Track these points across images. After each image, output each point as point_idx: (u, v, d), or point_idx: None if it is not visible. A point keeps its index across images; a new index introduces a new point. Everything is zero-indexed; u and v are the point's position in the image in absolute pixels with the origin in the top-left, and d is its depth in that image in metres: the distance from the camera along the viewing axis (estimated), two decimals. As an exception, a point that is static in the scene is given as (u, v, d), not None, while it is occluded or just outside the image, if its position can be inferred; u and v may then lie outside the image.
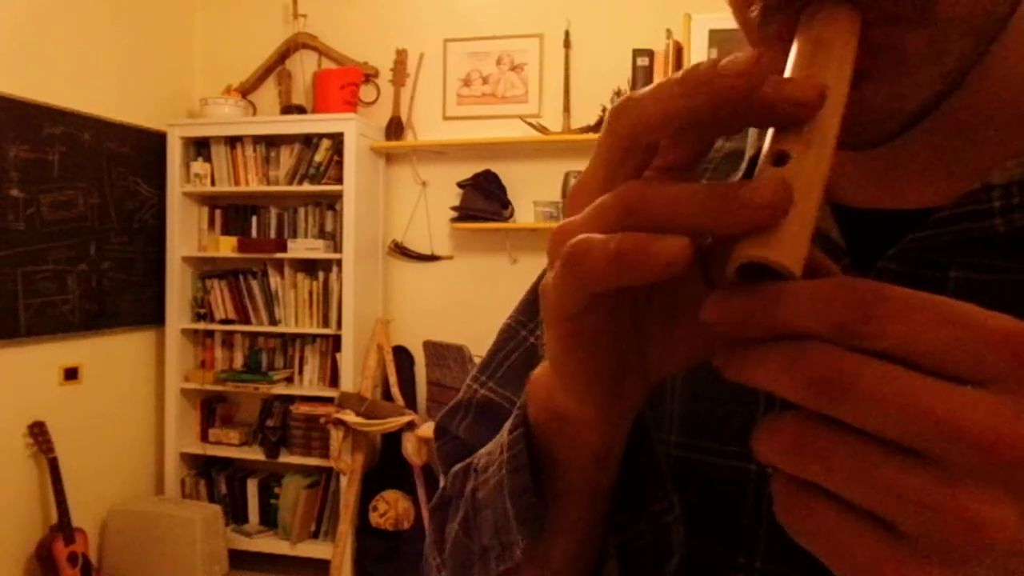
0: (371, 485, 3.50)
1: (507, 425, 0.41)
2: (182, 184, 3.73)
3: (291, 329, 3.69)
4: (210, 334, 3.87)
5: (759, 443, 0.26)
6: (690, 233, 0.26)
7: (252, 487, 3.77)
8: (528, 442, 0.39)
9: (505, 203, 3.58)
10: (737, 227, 0.25)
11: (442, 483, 0.54)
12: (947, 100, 0.38)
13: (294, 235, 3.73)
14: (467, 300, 3.71)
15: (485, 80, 3.69)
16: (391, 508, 3.43)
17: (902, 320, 0.23)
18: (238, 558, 3.63)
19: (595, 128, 3.41)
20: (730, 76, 0.25)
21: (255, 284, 3.75)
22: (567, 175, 3.45)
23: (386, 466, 3.54)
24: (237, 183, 3.73)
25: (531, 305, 0.60)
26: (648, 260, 0.25)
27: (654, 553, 0.41)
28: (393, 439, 3.45)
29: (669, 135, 0.28)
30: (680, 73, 0.27)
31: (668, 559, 0.41)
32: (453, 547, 0.47)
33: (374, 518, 3.43)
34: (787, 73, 0.31)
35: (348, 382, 3.53)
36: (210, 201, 3.88)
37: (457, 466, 0.50)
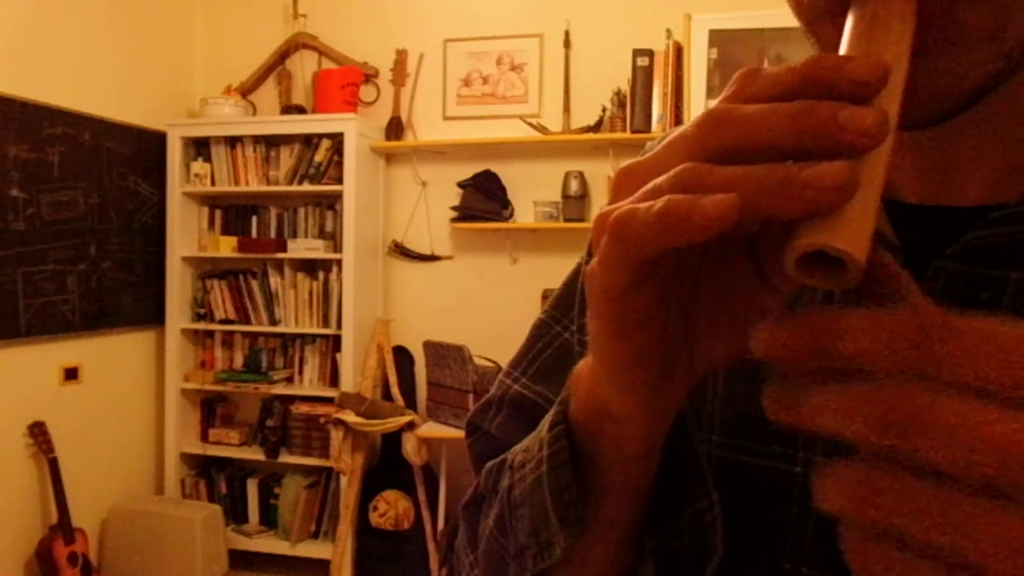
0: (371, 485, 3.50)
1: (546, 420, 0.41)
2: (182, 184, 3.73)
3: (291, 329, 3.69)
4: (210, 334, 3.87)
5: (823, 491, 0.24)
6: (746, 216, 0.25)
7: (252, 487, 3.77)
8: (569, 439, 0.38)
9: (505, 203, 3.58)
10: (799, 210, 0.25)
11: (474, 481, 0.53)
12: (1007, 82, 0.36)
13: (294, 235, 3.73)
14: (467, 300, 3.71)
15: (485, 80, 3.69)
16: (391, 508, 3.43)
17: (973, 358, 0.22)
18: (238, 558, 3.63)
19: (595, 128, 3.41)
20: (854, 132, 0.25)
21: (255, 284, 3.75)
22: (567, 175, 3.45)
23: (386, 466, 3.54)
24: (237, 183, 3.73)
25: (565, 300, 0.59)
26: (695, 215, 0.25)
27: (693, 554, 0.40)
28: (393, 439, 3.45)
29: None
30: (795, 108, 0.26)
31: (708, 560, 0.40)
32: (487, 545, 0.46)
33: (374, 518, 3.43)
34: (842, 52, 0.30)
35: (348, 382, 3.53)
36: (210, 201, 3.88)
37: (490, 463, 0.49)
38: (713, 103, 0.58)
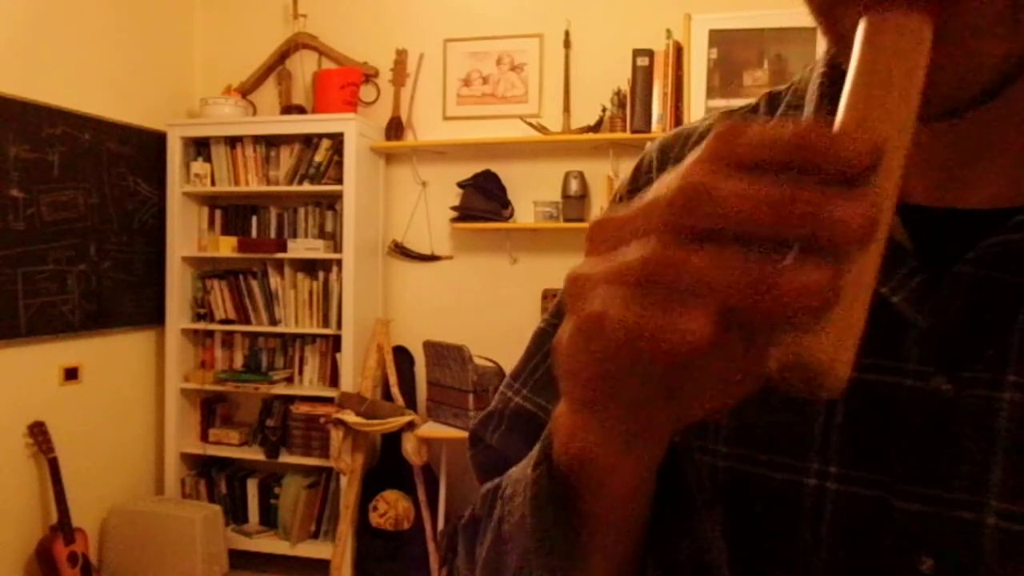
0: (371, 485, 3.50)
1: (533, 455, 0.39)
2: (182, 184, 3.73)
3: (291, 329, 3.69)
4: (210, 334, 3.86)
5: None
6: (722, 327, 0.24)
7: (252, 487, 3.77)
8: (552, 478, 0.37)
9: (505, 203, 3.58)
10: (776, 317, 0.23)
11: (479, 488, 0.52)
12: None
13: (294, 235, 3.73)
14: (467, 300, 3.71)
15: (485, 80, 3.69)
16: (391, 508, 3.43)
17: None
18: (238, 558, 3.63)
19: (595, 128, 3.41)
20: (838, 234, 0.23)
21: (255, 284, 3.75)
22: (567, 175, 3.45)
23: (386, 466, 3.54)
24: (237, 183, 3.73)
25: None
26: (667, 340, 0.24)
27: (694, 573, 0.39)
28: (393, 439, 3.45)
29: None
30: (776, 196, 0.24)
31: None
32: (483, 570, 0.46)
33: (374, 518, 3.43)
34: (839, 113, 0.27)
35: (348, 382, 3.53)
36: (210, 201, 3.88)
37: (487, 486, 0.48)
38: (713, 104, 0.57)
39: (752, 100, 0.55)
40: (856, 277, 0.24)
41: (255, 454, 3.73)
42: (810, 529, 0.42)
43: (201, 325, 3.80)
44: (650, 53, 3.29)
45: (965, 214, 0.42)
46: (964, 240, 0.40)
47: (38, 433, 3.09)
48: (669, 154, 0.55)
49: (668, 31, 3.28)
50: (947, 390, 0.39)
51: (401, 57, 3.75)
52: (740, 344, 0.27)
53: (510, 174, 3.61)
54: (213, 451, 3.78)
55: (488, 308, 3.64)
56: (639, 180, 0.56)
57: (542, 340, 0.58)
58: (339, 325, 3.56)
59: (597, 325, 0.26)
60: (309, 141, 3.65)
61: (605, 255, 0.27)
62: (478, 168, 3.60)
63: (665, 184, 0.26)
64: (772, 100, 0.53)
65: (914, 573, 0.39)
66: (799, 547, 0.42)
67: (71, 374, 3.33)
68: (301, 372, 3.77)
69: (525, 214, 3.58)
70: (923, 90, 0.28)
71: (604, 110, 3.42)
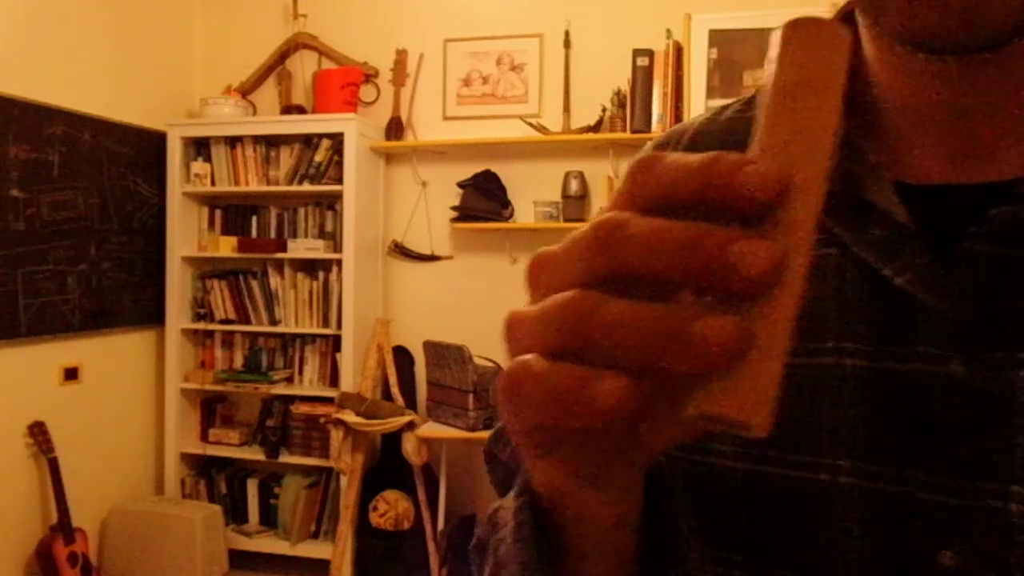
0: (371, 485, 3.50)
1: (520, 480, 0.39)
2: (182, 184, 3.73)
3: (291, 329, 3.69)
4: (210, 334, 3.86)
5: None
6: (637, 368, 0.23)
7: (252, 487, 3.77)
8: (533, 509, 0.37)
9: (505, 203, 3.58)
10: (686, 371, 0.22)
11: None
12: None
13: (294, 235, 3.73)
14: (467, 300, 3.71)
15: (485, 80, 3.69)
16: (391, 508, 3.43)
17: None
18: (238, 558, 3.63)
19: (595, 128, 3.41)
20: (742, 278, 0.22)
21: (255, 284, 3.75)
22: (567, 175, 3.45)
23: (386, 466, 3.54)
24: (237, 183, 3.73)
25: None
26: (583, 407, 0.23)
27: None
28: (393, 439, 3.45)
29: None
30: (683, 238, 0.23)
31: None
32: None
33: (374, 518, 3.43)
34: (753, 140, 0.25)
35: (348, 382, 3.53)
36: (210, 201, 3.88)
37: (492, 507, 0.47)
38: (713, 103, 0.57)
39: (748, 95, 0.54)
40: (769, 323, 0.23)
41: (255, 454, 3.73)
42: (829, 527, 0.40)
43: (201, 325, 3.80)
44: (650, 53, 3.29)
45: (974, 189, 0.41)
46: (972, 215, 0.38)
47: (38, 433, 3.09)
48: (665, 152, 0.54)
49: (668, 31, 3.28)
50: (965, 374, 0.38)
51: (401, 57, 3.75)
52: (663, 397, 0.26)
53: (510, 174, 3.61)
54: (213, 451, 3.78)
55: (488, 308, 3.63)
56: None
57: None
58: (339, 325, 3.56)
59: (517, 386, 0.25)
60: (309, 141, 3.65)
61: (537, 298, 0.26)
62: (478, 168, 3.60)
63: (588, 222, 0.25)
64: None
65: (936, 567, 0.38)
66: (818, 546, 0.41)
67: (71, 374, 3.34)
68: (301, 372, 3.77)
69: (525, 214, 3.58)
70: (942, 12, 0.26)
71: (604, 110, 3.42)
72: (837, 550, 0.40)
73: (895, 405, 0.40)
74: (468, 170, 3.61)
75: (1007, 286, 0.38)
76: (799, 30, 0.25)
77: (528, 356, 0.25)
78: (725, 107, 0.55)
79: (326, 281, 3.63)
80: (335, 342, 3.63)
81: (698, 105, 3.20)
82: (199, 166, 3.72)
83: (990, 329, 0.38)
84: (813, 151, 0.24)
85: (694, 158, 0.23)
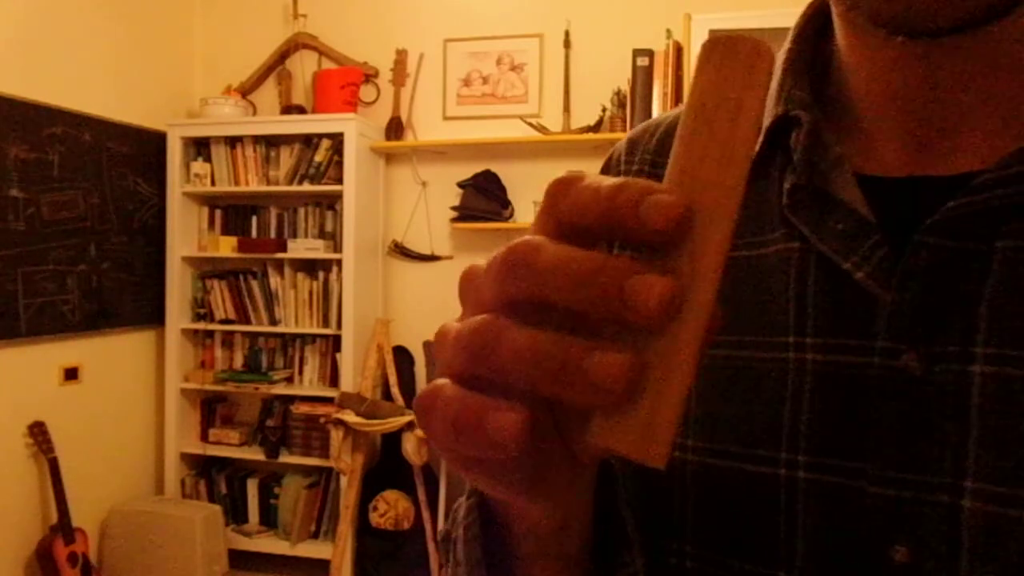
0: (371, 485, 3.50)
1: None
2: (182, 184, 3.73)
3: (291, 329, 3.69)
4: (210, 334, 3.87)
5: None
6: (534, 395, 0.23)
7: (252, 487, 3.77)
8: (482, 510, 0.37)
9: (505, 203, 3.58)
10: (584, 403, 0.23)
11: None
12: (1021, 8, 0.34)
13: (294, 235, 3.73)
14: (467, 300, 3.70)
15: (485, 80, 3.69)
16: (391, 508, 3.43)
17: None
18: (238, 558, 3.63)
19: (595, 128, 3.41)
20: (637, 314, 0.22)
21: (255, 284, 3.75)
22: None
23: (386, 466, 3.54)
24: (237, 183, 3.73)
25: None
26: (479, 439, 0.24)
27: None
28: (393, 439, 3.45)
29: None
30: (583, 270, 0.23)
31: None
32: None
33: (374, 518, 3.43)
34: (668, 166, 0.24)
35: (348, 382, 3.53)
36: (210, 201, 3.88)
37: (456, 502, 0.49)
38: (672, 112, 0.56)
39: None
40: (667, 358, 0.22)
41: (255, 454, 3.73)
42: (783, 521, 0.40)
43: (201, 325, 3.80)
44: (650, 53, 3.29)
45: (936, 181, 0.40)
46: (932, 208, 0.38)
47: (38, 433, 3.09)
48: (637, 147, 0.55)
49: (668, 31, 3.28)
50: (917, 367, 0.38)
51: (401, 57, 3.75)
52: (575, 419, 0.27)
53: (510, 174, 3.61)
54: (213, 451, 3.78)
55: (488, 308, 3.63)
56: (608, 175, 0.55)
57: None
58: (339, 325, 3.56)
59: (427, 410, 0.26)
60: (309, 141, 3.65)
61: (465, 312, 0.27)
62: (478, 168, 3.60)
63: (507, 244, 0.26)
64: None
65: (888, 562, 0.38)
66: (773, 540, 0.41)
67: (71, 374, 3.34)
68: (301, 372, 3.77)
69: (525, 214, 3.58)
70: None
71: (604, 110, 3.42)
72: (787, 542, 0.40)
73: (850, 399, 0.40)
74: (468, 170, 3.62)
75: (960, 279, 0.38)
76: (716, 49, 0.24)
77: (441, 381, 0.26)
78: None
79: (326, 281, 3.63)
80: (335, 342, 3.63)
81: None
82: (199, 166, 3.72)
83: (944, 323, 0.38)
84: (724, 175, 0.23)
85: (607, 183, 0.24)
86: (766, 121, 0.45)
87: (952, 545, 0.37)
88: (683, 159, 0.24)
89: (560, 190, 0.25)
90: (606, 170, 0.57)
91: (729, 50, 0.24)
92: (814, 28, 0.48)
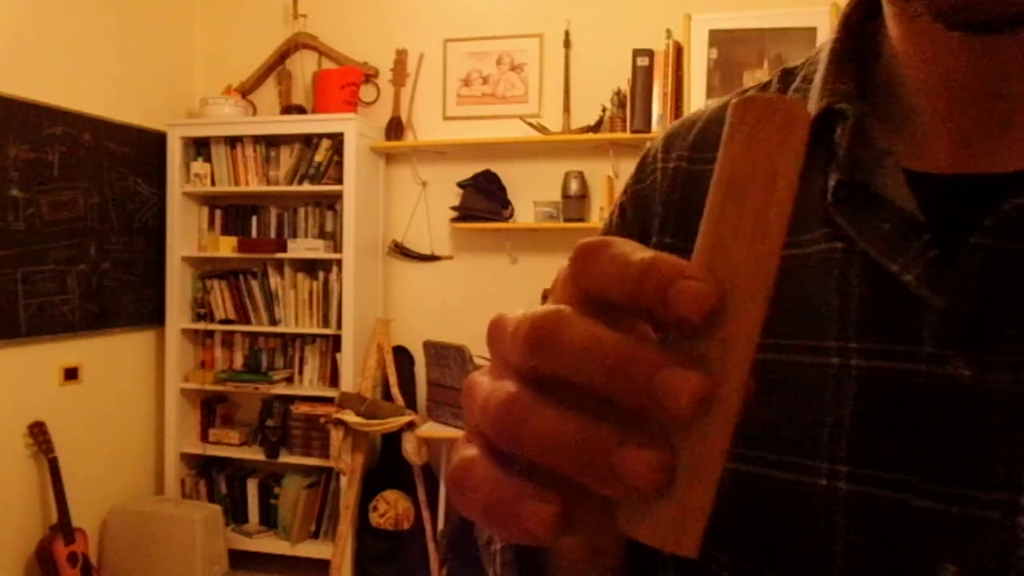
0: (371, 485, 3.50)
1: None
2: (182, 184, 3.73)
3: (291, 329, 3.69)
4: (210, 334, 3.86)
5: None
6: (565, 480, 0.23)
7: (252, 487, 3.77)
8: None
9: (505, 203, 3.58)
10: (612, 494, 0.22)
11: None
12: None
13: (294, 235, 3.73)
14: (467, 300, 3.71)
15: (485, 80, 3.69)
16: (391, 508, 3.43)
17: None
18: (238, 558, 3.63)
19: (595, 128, 3.41)
20: (667, 410, 0.21)
21: (255, 284, 3.75)
22: (567, 175, 3.45)
23: (386, 466, 3.54)
24: (237, 183, 3.73)
25: None
26: (514, 525, 0.23)
27: None
28: (393, 439, 3.45)
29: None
30: (612, 357, 0.22)
31: None
32: None
33: (374, 518, 3.43)
34: (699, 237, 0.23)
35: (348, 382, 3.53)
36: (210, 201, 3.88)
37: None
38: (713, 103, 0.56)
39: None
40: (696, 452, 0.22)
41: (255, 454, 3.73)
42: (823, 533, 0.38)
43: (201, 325, 3.80)
44: (650, 53, 3.29)
45: (989, 179, 0.38)
46: (985, 208, 0.36)
47: (38, 433, 3.09)
48: (675, 143, 0.53)
49: (668, 31, 3.28)
50: (968, 375, 0.36)
51: (401, 57, 3.75)
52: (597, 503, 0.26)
53: (510, 174, 3.61)
54: (213, 451, 3.78)
55: (488, 308, 3.63)
56: (644, 173, 0.54)
57: None
58: (339, 325, 3.56)
59: (460, 484, 0.26)
60: (309, 141, 3.65)
61: (494, 362, 0.26)
62: (478, 168, 3.60)
63: (530, 315, 0.24)
64: (785, 76, 0.50)
65: None
66: (811, 553, 0.39)
67: (71, 374, 3.33)
68: (301, 372, 3.77)
69: (525, 214, 3.58)
70: None
71: (604, 110, 3.42)
72: (826, 556, 0.38)
73: (895, 407, 0.38)
74: (468, 170, 3.61)
75: (1016, 283, 0.36)
76: (748, 113, 0.22)
77: (471, 453, 0.26)
78: (743, 92, 0.52)
79: (326, 281, 3.63)
80: (335, 342, 3.63)
81: (698, 105, 3.19)
82: (199, 166, 3.72)
83: (997, 329, 0.36)
84: (758, 252, 0.22)
85: (635, 257, 0.22)
86: (813, 109, 0.43)
87: (1004, 566, 0.34)
88: (713, 234, 0.22)
89: (585, 259, 0.24)
90: (641, 169, 0.55)
91: (762, 113, 0.22)
92: (860, 16, 0.46)
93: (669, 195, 0.50)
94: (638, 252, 0.23)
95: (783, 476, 0.40)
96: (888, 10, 0.42)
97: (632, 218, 0.53)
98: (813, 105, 0.44)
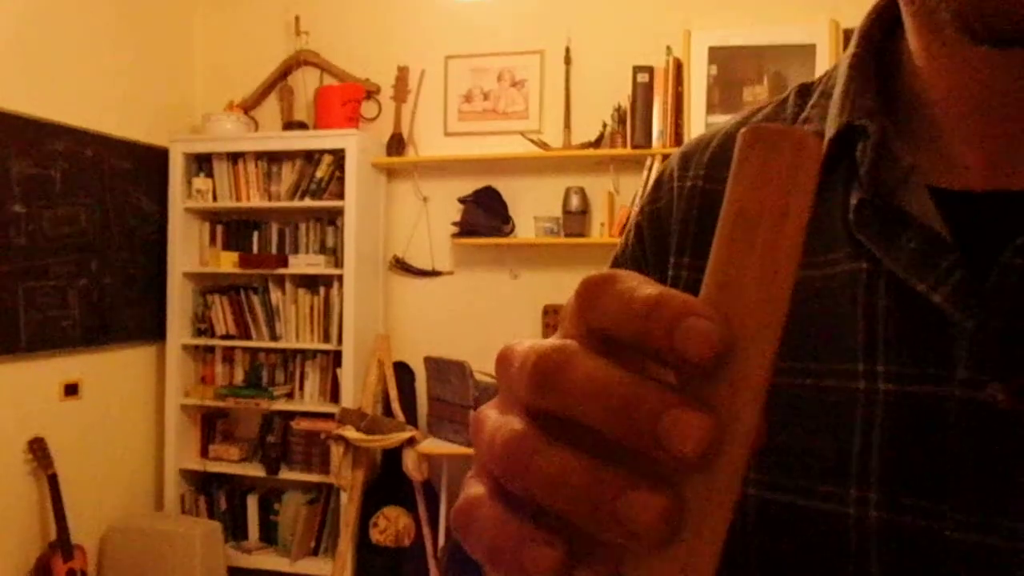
0: (371, 501, 3.49)
1: None
2: (184, 200, 3.74)
3: (292, 344, 3.68)
4: (211, 349, 3.86)
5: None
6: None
7: (252, 503, 3.76)
8: None
9: (506, 219, 3.58)
10: (615, 539, 0.22)
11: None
12: None
13: (295, 250, 3.74)
14: (468, 316, 3.70)
15: (486, 96, 3.70)
16: (391, 524, 3.41)
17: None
18: (238, 575, 3.61)
19: (596, 144, 3.42)
20: (672, 455, 0.21)
21: (256, 299, 3.75)
22: (568, 191, 3.46)
23: (386, 482, 3.53)
24: (239, 199, 3.74)
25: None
26: (518, 567, 0.23)
27: None
28: (394, 455, 3.44)
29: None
30: (617, 397, 0.21)
31: None
32: None
33: (374, 534, 3.41)
34: (706, 276, 0.22)
35: (349, 398, 3.52)
36: (211, 216, 3.89)
37: None
38: (712, 120, 0.56)
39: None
40: (703, 499, 0.21)
41: (255, 470, 3.71)
42: (853, 564, 0.37)
43: (202, 340, 3.80)
44: (650, 69, 3.31)
45: (1018, 196, 0.37)
46: (1015, 226, 0.35)
47: (38, 449, 3.09)
48: (691, 161, 0.52)
49: (668, 48, 3.30)
50: (1004, 400, 0.34)
51: (403, 73, 3.77)
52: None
53: (511, 190, 3.62)
54: (213, 467, 3.77)
55: (489, 323, 3.63)
56: (660, 192, 0.53)
57: None
58: (340, 340, 3.55)
59: (466, 523, 0.25)
60: (311, 157, 3.66)
61: (502, 391, 0.26)
62: (479, 184, 3.61)
63: (534, 349, 0.24)
64: (802, 92, 0.49)
65: None
66: None
67: (71, 390, 3.33)
68: (302, 388, 3.76)
69: (526, 229, 3.58)
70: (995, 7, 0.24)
71: (605, 126, 3.43)
72: None
73: (926, 433, 0.36)
74: (469, 186, 3.62)
75: None
76: (756, 147, 0.22)
77: (477, 491, 0.25)
78: (759, 109, 0.52)
79: (327, 296, 3.63)
80: (336, 358, 3.62)
81: (698, 121, 3.21)
82: (201, 182, 3.73)
83: None
84: (768, 291, 0.21)
85: (641, 294, 0.22)
86: (830, 131, 0.42)
87: None
88: (721, 272, 0.22)
89: (591, 295, 0.23)
90: (657, 188, 0.54)
91: (771, 148, 0.21)
92: (880, 29, 0.45)
93: (685, 214, 0.50)
94: (644, 288, 0.22)
95: (810, 504, 0.39)
96: (910, 23, 0.41)
97: (649, 238, 0.52)
98: (833, 121, 0.43)
